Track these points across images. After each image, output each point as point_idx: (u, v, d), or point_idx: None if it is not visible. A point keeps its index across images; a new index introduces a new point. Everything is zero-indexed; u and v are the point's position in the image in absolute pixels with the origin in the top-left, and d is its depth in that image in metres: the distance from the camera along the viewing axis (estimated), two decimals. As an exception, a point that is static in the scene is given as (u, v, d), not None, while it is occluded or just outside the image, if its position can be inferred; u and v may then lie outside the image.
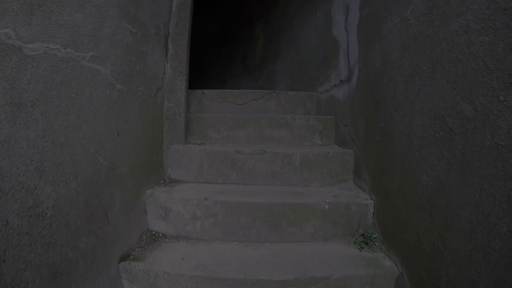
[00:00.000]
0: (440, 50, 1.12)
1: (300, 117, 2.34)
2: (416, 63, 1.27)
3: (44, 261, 0.89)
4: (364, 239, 1.67)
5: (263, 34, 3.97)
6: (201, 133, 2.36)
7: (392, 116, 1.49)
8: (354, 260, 1.49)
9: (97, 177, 1.20)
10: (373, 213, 1.75)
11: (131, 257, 1.45)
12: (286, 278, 1.33)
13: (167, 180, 2.07)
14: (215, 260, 1.45)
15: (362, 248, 1.61)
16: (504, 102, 0.83)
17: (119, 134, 1.43)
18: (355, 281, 1.37)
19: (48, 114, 0.92)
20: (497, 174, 0.85)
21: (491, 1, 0.87)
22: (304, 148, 2.15)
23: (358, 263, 1.46)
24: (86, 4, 1.13)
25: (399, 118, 1.42)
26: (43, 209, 0.89)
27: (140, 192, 1.71)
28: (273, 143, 2.33)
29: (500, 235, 0.83)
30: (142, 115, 1.71)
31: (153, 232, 1.73)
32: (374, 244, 1.63)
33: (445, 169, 1.11)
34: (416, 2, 1.26)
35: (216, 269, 1.37)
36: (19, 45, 0.79)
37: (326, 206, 1.70)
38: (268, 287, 1.31)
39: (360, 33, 1.91)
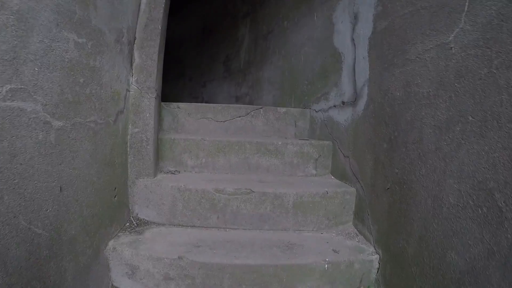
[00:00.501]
0: (498, 102, 0.83)
1: (292, 143, 2.02)
2: (458, 108, 0.97)
3: None
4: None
5: (249, 35, 3.59)
6: (175, 159, 1.99)
7: (414, 165, 1.20)
8: None
9: (36, 255, 0.91)
10: (378, 268, 1.49)
11: None
12: None
13: (134, 222, 1.70)
14: None
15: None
16: None
17: (63, 189, 1.08)
18: None
19: None
20: None
21: None
22: (296, 183, 1.84)
23: None
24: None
25: (425, 172, 1.13)
26: None
27: (100, 247, 1.38)
28: (260, 173, 2.00)
29: None
30: (97, 152, 1.33)
31: (117, 294, 1.38)
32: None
33: (483, 255, 0.87)
34: (465, 27, 0.95)
35: None
36: None
37: (326, 266, 1.41)
38: None
39: (373, 49, 1.60)
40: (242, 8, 3.84)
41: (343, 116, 1.94)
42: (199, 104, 2.34)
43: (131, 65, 1.73)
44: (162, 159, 2.00)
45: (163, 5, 1.78)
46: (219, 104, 2.34)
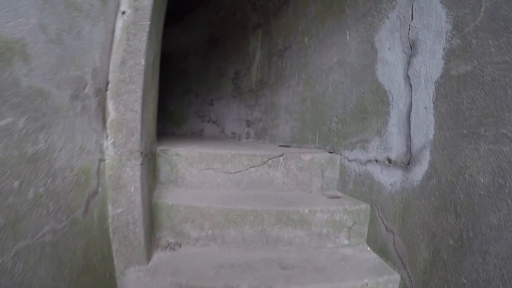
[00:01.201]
0: None
1: (322, 210, 1.58)
2: None
3: None
4: None
5: (261, 50, 3.13)
6: (175, 229, 1.59)
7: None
8: None
9: None
10: None
11: None
12: None
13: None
14: None
15: None
16: None
17: None
18: None
19: None
20: None
21: None
22: (328, 267, 1.40)
23: None
24: None
25: None
26: None
27: None
28: (281, 248, 1.57)
29: None
30: (63, 267, 0.95)
31: None
32: None
33: None
34: None
35: None
36: None
37: None
38: None
39: (442, 100, 1.15)
40: (252, 17, 3.36)
41: (388, 178, 1.48)
42: (203, 151, 1.90)
43: (104, 123, 1.31)
44: (159, 228, 1.60)
45: (148, 28, 1.34)
46: (229, 151, 1.90)
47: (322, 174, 1.93)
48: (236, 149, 2.11)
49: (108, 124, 1.31)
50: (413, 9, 1.34)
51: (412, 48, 1.34)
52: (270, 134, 2.87)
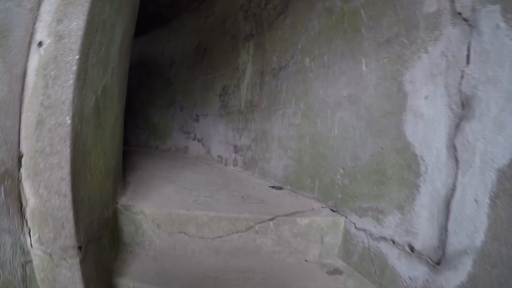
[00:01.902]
0: None
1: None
2: None
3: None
4: None
5: (253, 66, 2.69)
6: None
7: None
8: None
9: None
10: None
11: None
12: None
13: None
14: None
15: None
16: None
17: None
18: None
19: None
20: None
21: None
22: None
23: None
24: None
25: None
26: None
27: None
28: None
29: None
30: None
31: None
32: None
33: None
34: None
35: None
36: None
37: None
38: None
39: (507, 200, 0.76)
40: (244, 26, 2.92)
41: (407, 269, 1.10)
42: (174, 211, 1.49)
43: (22, 213, 0.89)
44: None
45: (76, 66, 0.90)
46: (206, 212, 1.48)
47: (322, 239, 1.53)
48: (217, 196, 1.68)
49: (28, 214, 0.90)
50: (471, 48, 0.93)
51: (464, 107, 0.94)
52: (260, 166, 2.46)
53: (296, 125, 2.03)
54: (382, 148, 1.32)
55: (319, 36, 1.89)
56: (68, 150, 0.87)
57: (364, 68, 1.49)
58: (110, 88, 1.30)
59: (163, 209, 1.50)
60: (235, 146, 2.85)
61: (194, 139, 3.60)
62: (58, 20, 0.86)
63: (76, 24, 0.89)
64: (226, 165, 3.00)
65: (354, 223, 1.46)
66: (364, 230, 1.39)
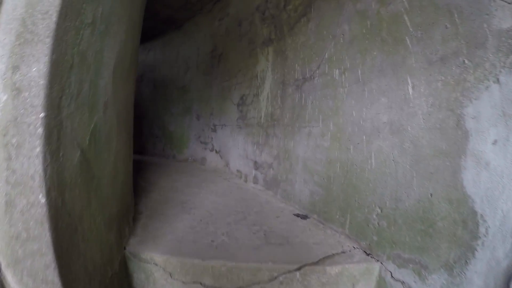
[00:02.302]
0: None
1: None
2: None
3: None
4: None
5: (273, 75, 2.45)
6: None
7: None
8: None
9: None
10: None
11: None
12: None
13: None
14: None
15: None
16: None
17: None
18: None
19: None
20: None
21: None
22: None
23: None
24: None
25: None
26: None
27: None
28: None
29: None
30: None
31: None
32: None
33: None
34: None
35: None
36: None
37: None
38: None
39: None
40: (261, 29, 2.67)
41: None
42: (187, 260, 1.32)
43: None
44: None
45: (42, 136, 0.74)
46: (222, 262, 1.30)
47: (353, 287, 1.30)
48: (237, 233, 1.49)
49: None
50: None
51: None
52: (283, 188, 2.24)
53: (324, 148, 1.79)
54: (431, 195, 1.06)
55: (351, 44, 1.62)
56: (48, 234, 0.70)
57: (410, 90, 1.22)
58: (105, 125, 1.13)
59: (175, 257, 1.33)
60: (255, 162, 2.65)
61: (211, 150, 3.44)
62: (14, 67, 0.68)
63: (37, 70, 0.70)
64: (246, 181, 2.81)
65: (390, 272, 1.22)
66: (403, 283, 1.15)
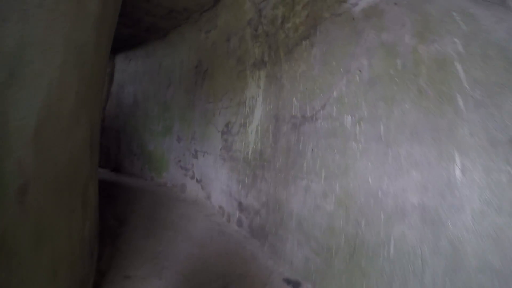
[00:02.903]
0: None
1: None
2: None
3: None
4: None
5: (264, 105, 2.07)
6: None
7: None
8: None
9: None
10: None
11: None
12: None
13: None
14: None
15: None
16: None
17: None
18: None
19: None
20: None
21: None
22: None
23: None
24: None
25: None
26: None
27: None
28: None
29: None
30: None
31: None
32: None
33: None
34: None
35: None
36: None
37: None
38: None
39: None
40: (253, 48, 2.29)
41: None
42: None
43: None
44: None
45: None
46: None
47: None
48: None
49: None
50: None
51: None
52: (271, 242, 1.84)
53: (326, 212, 1.40)
54: None
55: (370, 86, 1.24)
56: None
57: (457, 173, 0.84)
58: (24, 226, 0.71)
59: None
60: (240, 203, 2.24)
61: (192, 178, 3.01)
62: None
63: None
64: (228, 221, 2.39)
65: None
66: None
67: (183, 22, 3.36)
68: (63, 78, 0.91)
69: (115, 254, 1.70)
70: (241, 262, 1.79)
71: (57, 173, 0.91)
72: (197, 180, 2.95)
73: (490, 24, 0.79)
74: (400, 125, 1.05)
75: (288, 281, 1.58)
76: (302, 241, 1.55)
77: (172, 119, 3.42)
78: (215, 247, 1.98)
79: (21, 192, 0.73)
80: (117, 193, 3.02)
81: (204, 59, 3.01)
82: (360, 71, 1.30)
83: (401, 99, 1.06)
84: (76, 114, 1.04)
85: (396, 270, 1.00)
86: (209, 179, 2.75)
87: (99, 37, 1.34)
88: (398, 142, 1.05)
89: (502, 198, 0.74)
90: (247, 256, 1.89)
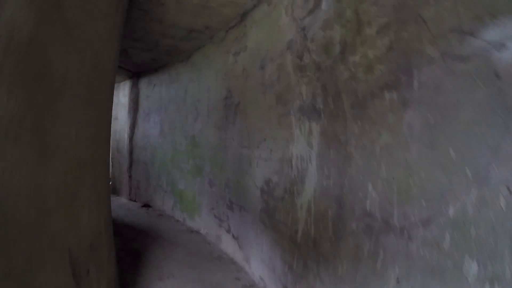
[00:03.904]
0: None
1: None
2: None
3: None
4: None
5: (318, 176, 1.47)
6: None
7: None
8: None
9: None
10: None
11: None
12: None
13: None
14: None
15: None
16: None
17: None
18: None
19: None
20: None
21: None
22: None
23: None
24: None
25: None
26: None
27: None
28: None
29: None
30: None
31: None
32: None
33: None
34: None
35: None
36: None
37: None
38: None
39: None
40: (298, 84, 1.68)
41: None
42: None
43: None
44: None
45: None
46: None
47: None
48: None
49: None
50: None
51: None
52: None
53: None
54: None
55: None
56: None
57: None
58: None
59: None
60: (284, 286, 1.70)
61: (228, 231, 2.55)
62: None
63: None
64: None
65: None
66: None
67: (206, 42, 2.84)
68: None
69: None
70: None
71: None
72: (233, 236, 2.47)
73: None
74: None
75: None
76: None
77: (202, 158, 2.96)
78: None
79: None
80: (142, 247, 2.69)
81: (234, 89, 2.46)
82: (510, 189, 0.65)
83: None
84: None
85: None
86: (247, 239, 2.24)
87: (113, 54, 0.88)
88: None
89: None
90: None
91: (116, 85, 4.74)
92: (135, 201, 4.29)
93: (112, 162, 4.73)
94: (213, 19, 2.44)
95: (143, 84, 4.26)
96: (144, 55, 3.36)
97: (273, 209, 1.90)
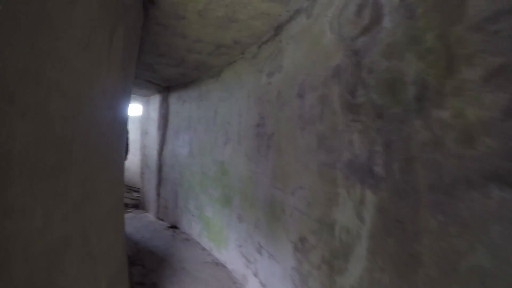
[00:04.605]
0: None
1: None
2: None
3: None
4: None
5: (367, 261, 1.11)
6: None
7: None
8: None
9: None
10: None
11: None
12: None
13: None
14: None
15: None
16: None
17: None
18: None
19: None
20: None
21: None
22: None
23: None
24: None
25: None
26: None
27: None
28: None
29: None
30: None
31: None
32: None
33: None
34: None
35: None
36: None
37: None
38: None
39: None
40: (346, 127, 1.32)
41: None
42: None
43: None
44: None
45: None
46: None
47: None
48: None
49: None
50: None
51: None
52: None
53: None
54: None
55: None
56: None
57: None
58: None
59: None
60: None
61: (255, 275, 2.26)
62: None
63: None
64: None
65: None
66: None
67: (237, 58, 2.55)
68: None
69: None
70: None
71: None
72: (261, 283, 2.17)
73: None
74: None
75: None
76: None
77: (232, 189, 2.69)
78: None
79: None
80: (167, 279, 2.51)
81: (267, 115, 2.14)
82: None
83: None
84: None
85: None
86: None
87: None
88: None
89: None
90: None
91: (146, 98, 4.67)
92: (162, 220, 4.20)
93: (141, 177, 4.71)
94: (243, 33, 2.13)
95: (173, 99, 4.12)
96: (171, 70, 3.18)
97: (306, 275, 1.56)
